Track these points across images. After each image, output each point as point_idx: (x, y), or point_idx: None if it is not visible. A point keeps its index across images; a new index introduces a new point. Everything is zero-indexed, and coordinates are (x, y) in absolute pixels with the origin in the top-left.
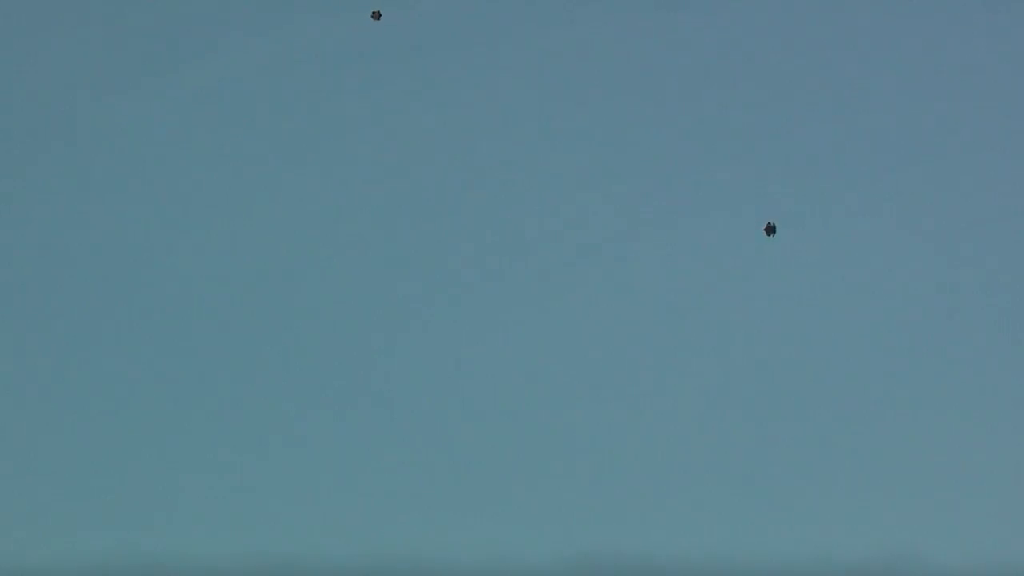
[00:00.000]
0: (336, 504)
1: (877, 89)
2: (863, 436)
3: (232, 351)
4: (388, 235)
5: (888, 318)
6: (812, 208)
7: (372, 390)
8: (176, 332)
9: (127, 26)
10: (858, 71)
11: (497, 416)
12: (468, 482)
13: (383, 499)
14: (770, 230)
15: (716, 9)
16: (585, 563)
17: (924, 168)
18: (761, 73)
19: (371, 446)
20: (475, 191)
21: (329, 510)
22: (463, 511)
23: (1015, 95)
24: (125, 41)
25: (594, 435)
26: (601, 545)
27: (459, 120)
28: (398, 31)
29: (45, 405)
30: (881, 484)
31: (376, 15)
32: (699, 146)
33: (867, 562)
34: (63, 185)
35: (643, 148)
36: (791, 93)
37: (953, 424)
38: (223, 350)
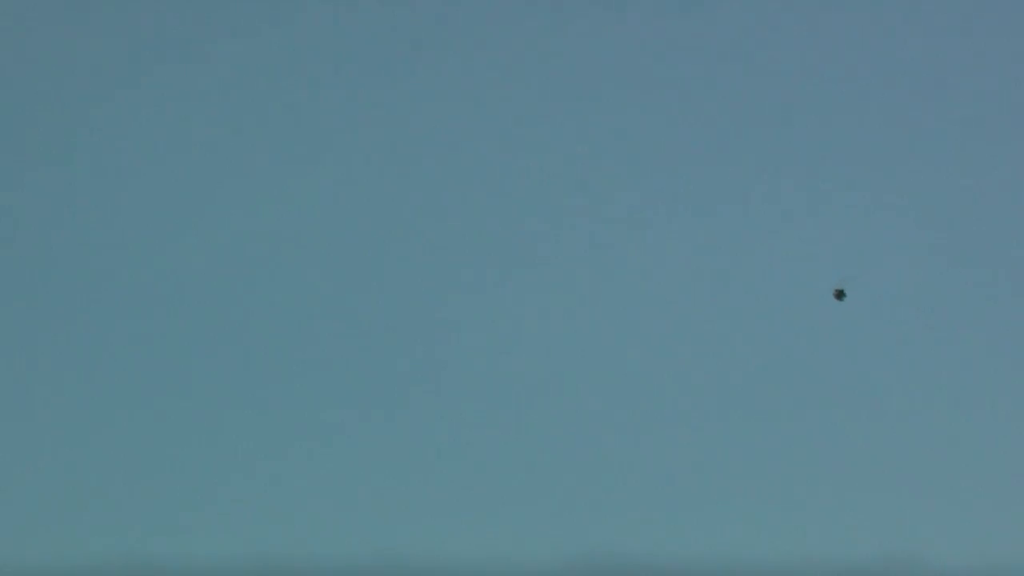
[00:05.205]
0: (337, 504)
1: (874, 90)
2: (864, 437)
3: (235, 354)
4: (391, 238)
5: (890, 320)
6: (815, 209)
7: (374, 393)
8: (178, 335)
9: (123, 27)
10: (860, 73)
11: (498, 417)
12: (469, 483)
13: (384, 500)
14: (839, 295)
15: (719, 12)
16: (586, 563)
17: (924, 169)
18: (763, 74)
19: (372, 448)
20: (473, 194)
21: (330, 510)
22: (464, 511)
23: (1015, 95)
24: (121, 42)
25: (595, 436)
26: (602, 545)
27: (460, 120)
28: (400, 31)
29: (49, 408)
30: (881, 484)
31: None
32: (699, 147)
33: (867, 562)
34: (63, 185)
35: (644, 148)
36: (792, 94)
37: (953, 424)
38: (227, 353)
